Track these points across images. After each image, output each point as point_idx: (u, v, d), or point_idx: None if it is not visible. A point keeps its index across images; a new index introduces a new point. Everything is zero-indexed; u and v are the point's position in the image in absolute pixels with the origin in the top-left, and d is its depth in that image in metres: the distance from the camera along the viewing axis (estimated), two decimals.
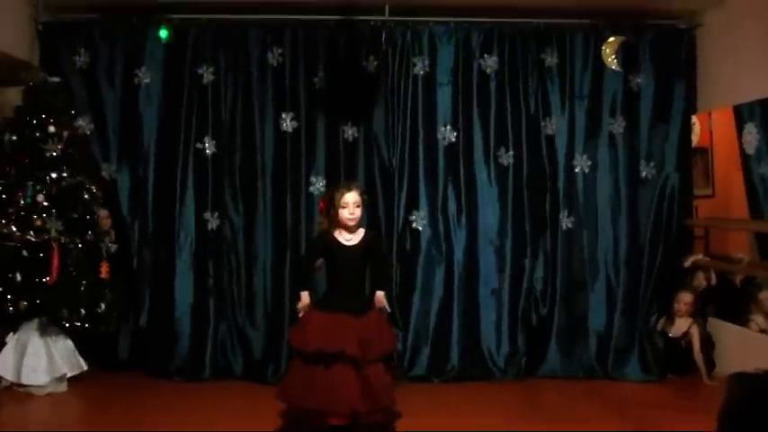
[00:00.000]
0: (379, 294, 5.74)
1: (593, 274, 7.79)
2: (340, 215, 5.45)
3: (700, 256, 7.86)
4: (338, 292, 5.56)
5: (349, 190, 5.51)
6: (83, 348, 7.04)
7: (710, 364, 7.48)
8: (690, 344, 7.45)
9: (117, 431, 5.84)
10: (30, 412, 6.43)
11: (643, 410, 6.65)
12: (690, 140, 7.98)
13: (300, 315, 5.62)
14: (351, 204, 5.44)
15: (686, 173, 7.95)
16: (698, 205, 8.19)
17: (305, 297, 5.58)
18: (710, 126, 8.05)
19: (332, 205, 5.49)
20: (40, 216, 6.69)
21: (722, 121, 7.80)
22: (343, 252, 5.51)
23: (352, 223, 5.48)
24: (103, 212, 7.37)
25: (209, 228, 7.55)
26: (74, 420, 6.48)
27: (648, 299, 7.79)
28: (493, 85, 7.71)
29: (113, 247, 7.28)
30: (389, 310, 6.00)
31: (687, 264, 7.84)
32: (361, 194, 5.59)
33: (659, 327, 7.75)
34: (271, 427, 5.58)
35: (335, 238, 5.51)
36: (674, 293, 7.62)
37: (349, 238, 5.52)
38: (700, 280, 7.81)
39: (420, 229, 7.66)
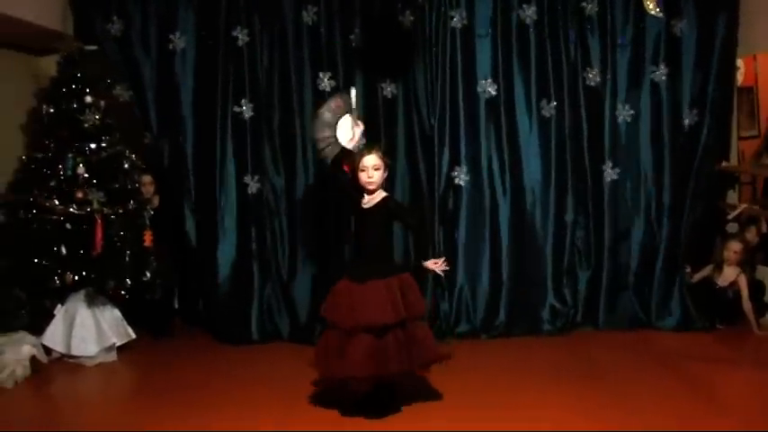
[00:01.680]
0: (425, 264, 5.51)
1: (637, 226, 7.72)
2: (359, 178, 5.43)
3: (745, 206, 7.73)
4: (359, 258, 5.64)
5: (369, 152, 5.44)
6: (131, 316, 7.10)
7: (760, 312, 7.39)
8: (738, 293, 7.36)
9: (169, 398, 5.85)
10: (82, 383, 6.45)
11: (690, 363, 6.51)
12: (732, 86, 7.84)
13: None
14: (369, 168, 5.38)
15: (726, 119, 7.83)
16: (743, 148, 8.07)
17: None
18: (756, 69, 7.91)
19: (354, 168, 5.50)
20: (81, 188, 6.67)
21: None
22: (360, 214, 5.50)
23: (370, 187, 5.42)
24: (147, 178, 7.38)
25: (250, 192, 7.51)
26: (125, 389, 6.53)
27: (685, 248, 7.72)
28: (532, 35, 7.56)
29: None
30: (441, 273, 5.65)
31: (733, 215, 7.72)
32: (382, 157, 5.48)
33: (693, 278, 7.67)
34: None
35: (359, 199, 5.50)
36: (725, 242, 7.51)
37: (367, 201, 5.47)
38: (752, 234, 7.69)
39: (462, 184, 7.58)
